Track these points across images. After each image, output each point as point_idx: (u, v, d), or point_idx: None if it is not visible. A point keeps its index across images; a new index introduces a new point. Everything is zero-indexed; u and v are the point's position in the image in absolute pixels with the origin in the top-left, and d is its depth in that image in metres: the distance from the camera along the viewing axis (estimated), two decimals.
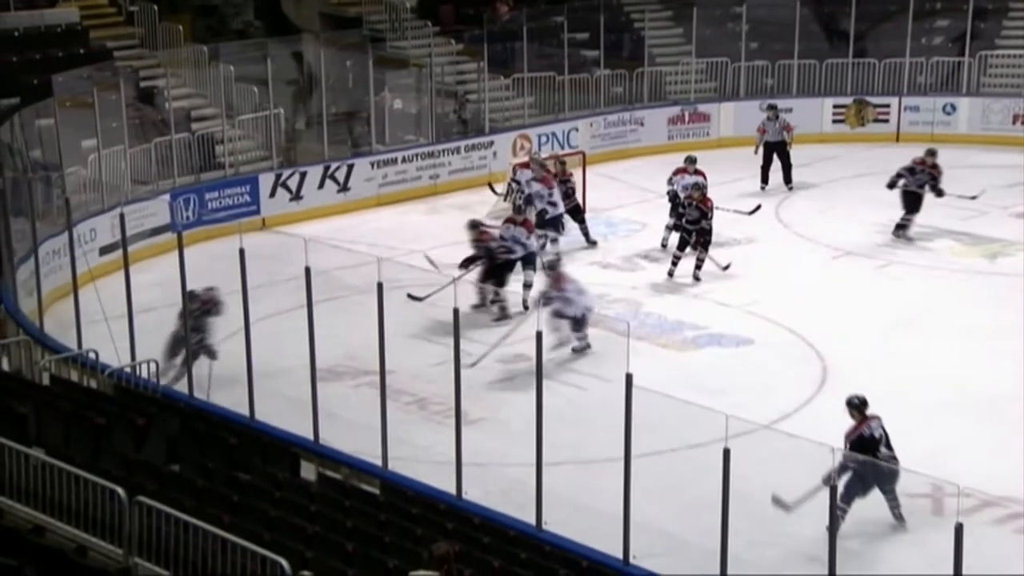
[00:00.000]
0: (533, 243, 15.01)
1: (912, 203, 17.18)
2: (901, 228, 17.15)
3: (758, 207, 17.31)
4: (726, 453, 8.20)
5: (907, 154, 21.99)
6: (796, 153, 20.48)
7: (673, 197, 16.92)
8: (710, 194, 15.98)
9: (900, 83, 23.85)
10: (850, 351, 13.51)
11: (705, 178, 16.70)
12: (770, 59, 24.33)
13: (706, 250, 15.68)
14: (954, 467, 10.27)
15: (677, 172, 17.17)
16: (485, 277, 14.64)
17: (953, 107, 23.39)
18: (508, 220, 15.25)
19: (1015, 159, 21.50)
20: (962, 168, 21.28)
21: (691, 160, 17.26)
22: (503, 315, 14.21)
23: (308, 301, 10.57)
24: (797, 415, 12.01)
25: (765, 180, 19.93)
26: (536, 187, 17.02)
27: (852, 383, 12.64)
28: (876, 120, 23.74)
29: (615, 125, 23.10)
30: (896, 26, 23.89)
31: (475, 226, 15.21)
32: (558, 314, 13.04)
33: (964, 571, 7.17)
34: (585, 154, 19.98)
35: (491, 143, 21.56)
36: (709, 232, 15.66)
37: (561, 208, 16.92)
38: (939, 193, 17.19)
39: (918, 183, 17.18)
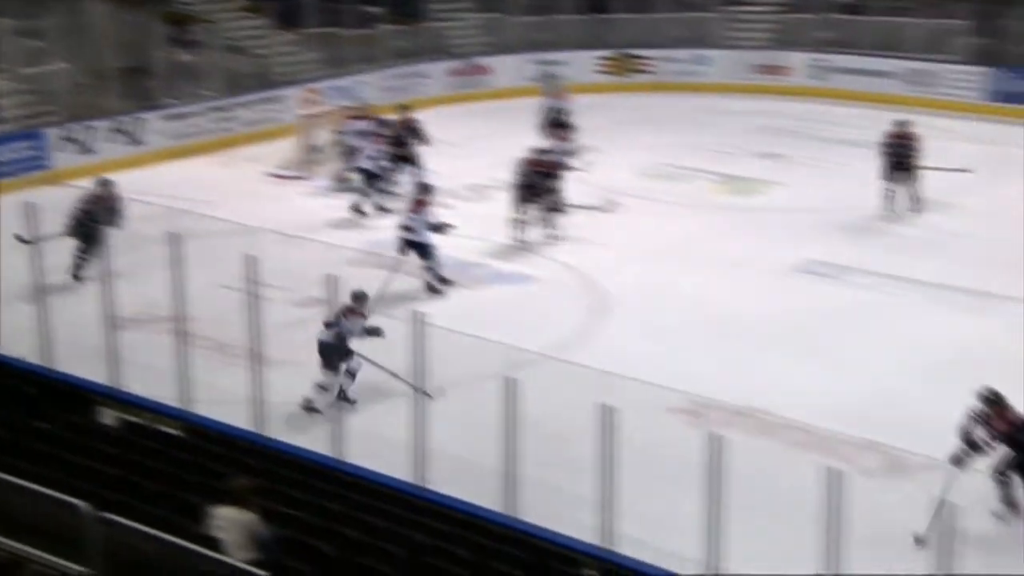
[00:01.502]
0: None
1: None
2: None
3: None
4: (511, 382, 8.28)
5: (665, 101, 22.80)
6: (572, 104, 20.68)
7: None
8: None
9: (658, 36, 24.44)
10: (621, 283, 13.84)
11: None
12: (542, 15, 24.54)
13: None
14: (709, 383, 10.75)
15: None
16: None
17: (705, 57, 24.14)
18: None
19: (760, 105, 22.43)
20: (714, 114, 22.11)
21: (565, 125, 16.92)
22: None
23: (104, 251, 10.08)
24: (577, 343, 12.24)
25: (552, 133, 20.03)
26: (361, 143, 16.95)
27: (623, 312, 13.05)
28: (637, 71, 24.29)
29: (400, 78, 22.86)
30: None
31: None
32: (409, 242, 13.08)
33: (719, 472, 7.46)
34: (372, 106, 19.68)
35: (281, 97, 21.01)
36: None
37: (379, 166, 16.64)
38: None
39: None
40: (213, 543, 7.04)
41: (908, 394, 10.99)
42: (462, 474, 9.14)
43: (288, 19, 22.42)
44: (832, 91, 22.94)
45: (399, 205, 15.53)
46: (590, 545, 8.06)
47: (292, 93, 21.06)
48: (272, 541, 7.11)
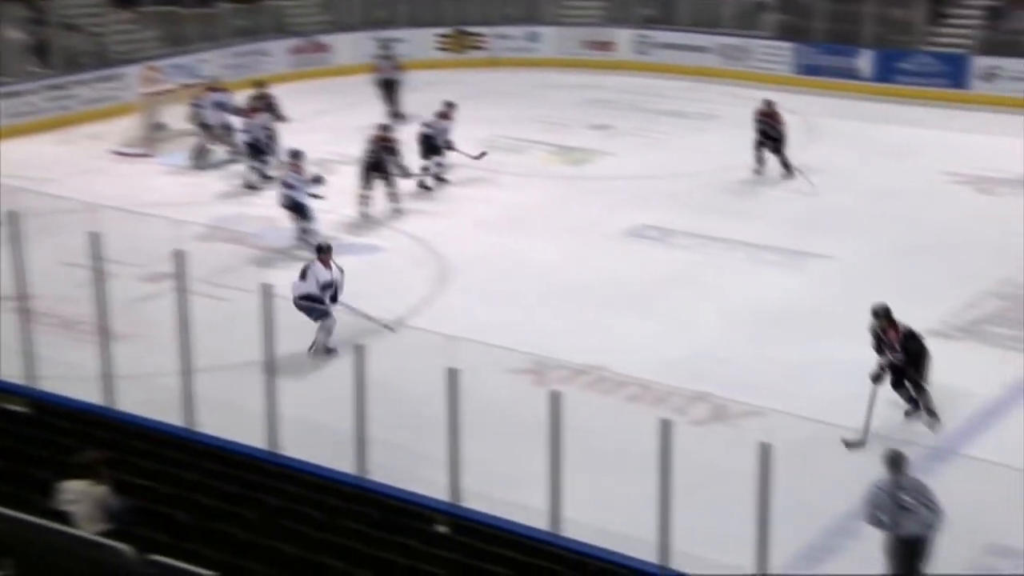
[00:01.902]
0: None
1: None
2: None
3: (483, 153, 16.64)
4: (360, 349, 8.20)
5: (501, 77, 22.86)
6: (409, 78, 20.54)
7: (426, 139, 16.14)
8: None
9: (492, 14, 24.45)
10: (464, 252, 13.85)
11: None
12: None
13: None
14: (551, 344, 10.88)
15: (441, 116, 16.32)
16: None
17: (537, 34, 24.29)
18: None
19: (588, 79, 22.70)
20: (546, 88, 22.28)
21: (451, 105, 16.42)
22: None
23: None
24: (423, 310, 12.21)
25: (396, 115, 19.81)
26: (219, 114, 16.87)
27: (467, 279, 13.07)
28: (474, 47, 24.27)
29: (241, 56, 22.26)
30: None
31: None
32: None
33: (561, 428, 7.55)
34: (214, 83, 19.11)
35: (121, 75, 20.22)
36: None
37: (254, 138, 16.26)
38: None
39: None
40: (64, 517, 6.77)
41: (731, 346, 11.34)
42: (314, 439, 9.03)
43: None
44: (655, 65, 23.40)
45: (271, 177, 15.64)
46: (440, 501, 8.08)
47: (132, 71, 20.31)
48: (124, 511, 6.89)
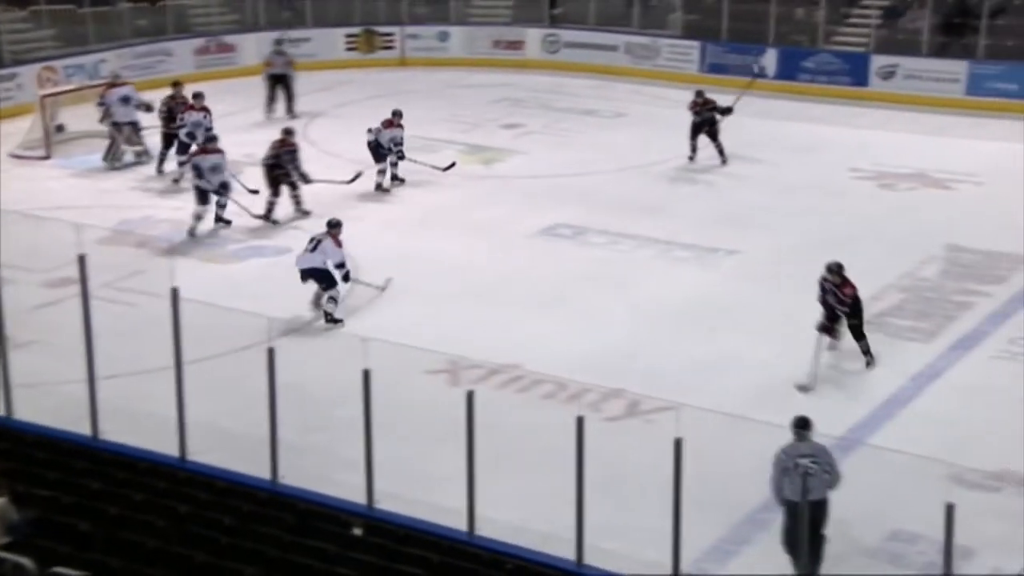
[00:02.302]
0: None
1: None
2: None
3: (452, 164, 16.68)
4: (270, 351, 8.10)
5: (411, 76, 22.81)
6: (317, 79, 20.38)
7: (375, 146, 16.11)
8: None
9: (401, 14, 24.36)
10: (376, 252, 13.76)
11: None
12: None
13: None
14: (465, 344, 10.88)
15: (386, 124, 16.21)
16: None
17: (447, 34, 24.26)
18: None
19: (499, 78, 22.76)
20: (457, 88, 22.28)
21: (398, 114, 16.34)
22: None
23: None
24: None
25: (271, 110, 19.69)
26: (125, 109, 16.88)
27: (379, 278, 12.98)
28: (383, 47, 24.15)
29: (143, 56, 21.82)
30: None
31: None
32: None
33: (477, 428, 7.57)
34: (116, 79, 18.71)
35: (14, 75, 19.69)
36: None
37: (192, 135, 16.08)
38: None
39: None
40: None
41: (644, 342, 11.47)
42: (226, 445, 8.89)
43: None
44: (564, 64, 23.55)
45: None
46: (355, 504, 8.02)
47: (27, 71, 19.77)
48: (23, 523, 6.71)
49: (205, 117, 16.30)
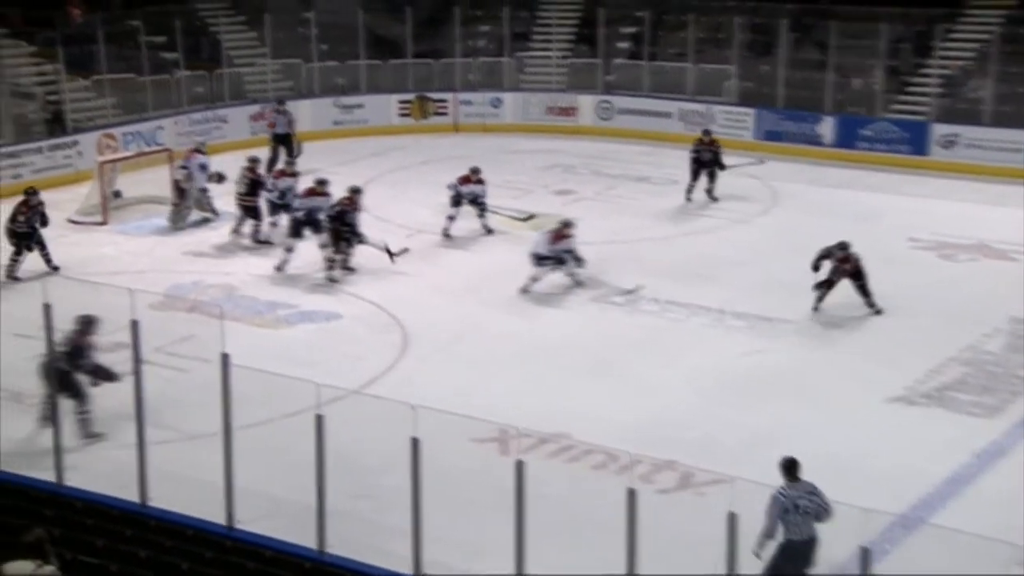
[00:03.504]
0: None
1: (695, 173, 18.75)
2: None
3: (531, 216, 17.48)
4: (319, 419, 8.16)
5: (464, 142, 23.12)
6: (369, 144, 20.70)
7: (456, 197, 16.84)
8: None
9: (454, 80, 24.76)
10: (426, 317, 13.87)
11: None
12: (340, 59, 24.51)
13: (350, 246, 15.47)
14: (514, 412, 10.86)
15: (462, 181, 16.89)
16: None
17: (499, 100, 24.60)
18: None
19: (551, 144, 22.98)
20: (509, 153, 22.51)
21: (475, 171, 17.02)
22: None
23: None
24: (384, 378, 12.17)
25: (271, 168, 19.80)
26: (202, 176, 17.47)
27: (428, 345, 13.07)
28: (437, 113, 24.53)
29: (200, 123, 22.34)
30: (447, 30, 24.78)
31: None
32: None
33: (526, 498, 7.54)
34: (172, 150, 19.20)
35: (75, 142, 20.23)
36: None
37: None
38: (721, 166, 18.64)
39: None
40: None
41: (697, 413, 11.38)
42: (273, 512, 8.93)
43: (81, 64, 21.60)
44: (617, 130, 23.74)
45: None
46: (402, 574, 8.00)
47: (87, 139, 20.31)
48: None
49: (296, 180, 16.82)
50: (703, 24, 24.32)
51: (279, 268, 15.37)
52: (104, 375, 10.49)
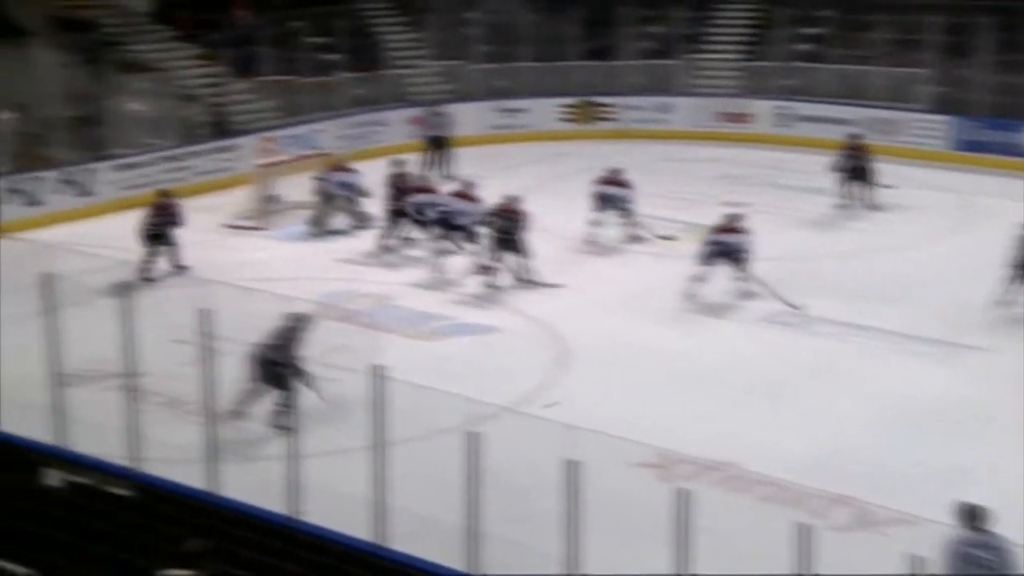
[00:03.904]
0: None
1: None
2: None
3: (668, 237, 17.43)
4: (473, 436, 8.25)
5: (630, 149, 23.06)
6: (530, 151, 20.88)
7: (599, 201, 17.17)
8: None
9: (621, 83, 24.73)
10: (585, 332, 13.88)
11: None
12: (502, 61, 24.79)
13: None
14: (677, 436, 10.77)
15: (603, 182, 17.33)
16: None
17: (668, 106, 24.45)
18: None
19: (722, 153, 22.70)
20: (678, 162, 22.36)
21: (615, 171, 17.39)
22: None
23: (47, 304, 10.00)
24: (541, 396, 12.23)
25: (428, 171, 20.32)
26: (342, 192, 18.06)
27: (588, 363, 13.08)
28: (601, 118, 24.54)
29: (359, 126, 22.98)
30: (614, 31, 24.77)
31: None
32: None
33: (689, 531, 7.46)
34: (331, 154, 19.77)
35: (236, 145, 21.04)
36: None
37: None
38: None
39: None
40: None
41: (877, 445, 11.06)
42: (424, 532, 9.08)
43: (244, 66, 22.47)
44: (796, 139, 23.29)
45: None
46: None
47: (247, 142, 21.09)
48: None
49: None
50: (893, 24, 23.62)
51: (482, 273, 15.33)
52: (300, 376, 11.01)
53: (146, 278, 15.58)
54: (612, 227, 17.25)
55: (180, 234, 16.11)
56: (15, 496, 8.78)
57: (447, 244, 15.95)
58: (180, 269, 15.98)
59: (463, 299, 15.12)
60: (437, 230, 16.11)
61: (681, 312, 14.62)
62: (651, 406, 11.90)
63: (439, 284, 15.64)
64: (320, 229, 17.97)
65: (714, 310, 14.68)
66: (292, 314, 11.60)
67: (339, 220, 18.17)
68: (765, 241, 17.51)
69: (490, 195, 16.27)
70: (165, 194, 16.46)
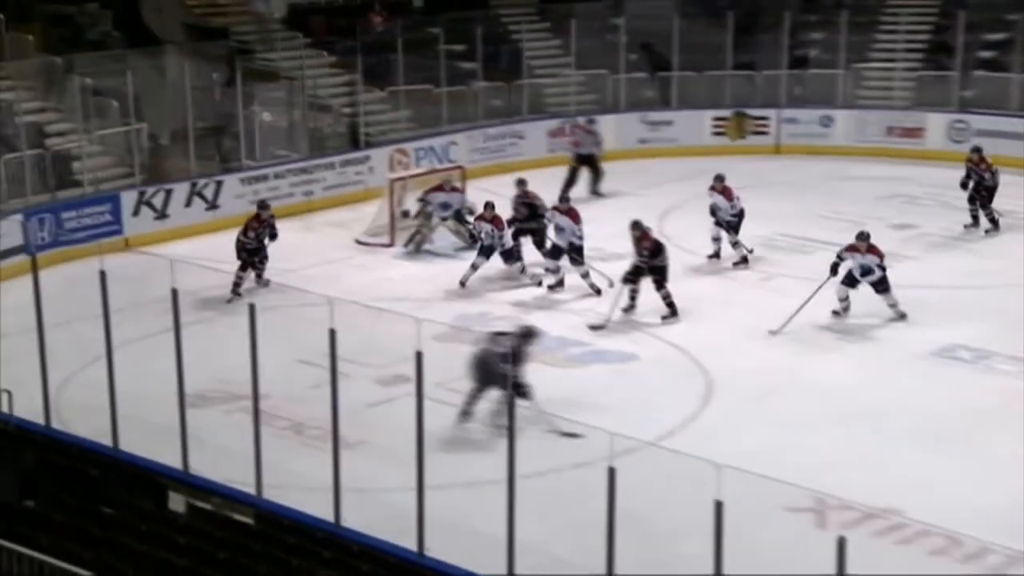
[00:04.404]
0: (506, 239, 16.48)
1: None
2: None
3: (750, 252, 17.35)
4: (611, 472, 8.22)
5: (786, 166, 22.75)
6: (678, 166, 20.81)
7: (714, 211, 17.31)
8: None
9: (778, 95, 24.42)
10: (733, 364, 13.71)
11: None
12: (650, 71, 24.72)
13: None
14: (834, 479, 10.54)
15: (718, 191, 17.39)
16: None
17: (830, 119, 24.03)
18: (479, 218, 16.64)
19: (890, 171, 22.20)
20: (840, 180, 21.95)
21: (719, 179, 17.49)
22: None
23: (175, 322, 10.33)
24: (683, 431, 12.13)
25: (568, 192, 19.90)
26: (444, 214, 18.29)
27: (735, 396, 12.91)
28: (756, 132, 24.27)
29: (495, 139, 23.18)
30: (773, 38, 24.49)
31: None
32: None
33: None
34: (464, 168, 20.00)
35: (367, 158, 21.44)
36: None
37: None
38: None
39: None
40: None
41: None
42: (554, 571, 9.06)
43: (377, 75, 22.89)
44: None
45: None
46: None
47: (380, 154, 21.47)
48: None
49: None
50: None
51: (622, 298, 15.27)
52: (522, 391, 11.41)
53: (236, 293, 15.91)
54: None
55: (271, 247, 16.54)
56: (137, 519, 9.07)
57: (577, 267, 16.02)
58: (263, 284, 16.37)
59: (601, 321, 15.09)
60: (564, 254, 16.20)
61: (837, 345, 14.33)
62: (806, 446, 11.67)
63: (578, 309, 15.63)
64: (415, 249, 18.12)
65: (878, 343, 14.34)
66: (522, 326, 12.62)
67: (441, 240, 18.26)
68: (935, 267, 17.13)
69: (634, 213, 16.20)
70: (265, 205, 16.83)
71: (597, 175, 20.83)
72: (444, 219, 18.33)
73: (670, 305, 14.94)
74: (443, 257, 18.05)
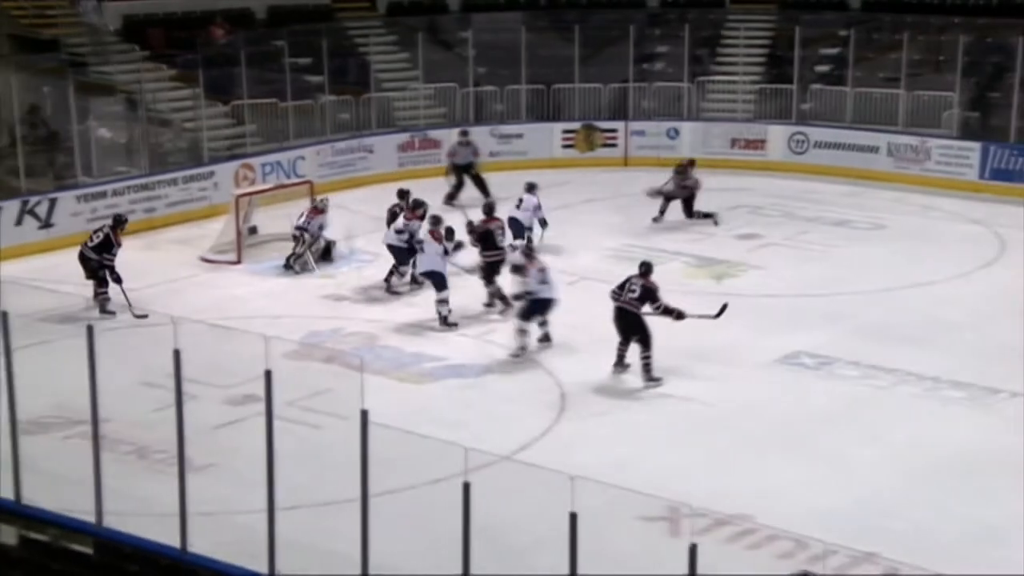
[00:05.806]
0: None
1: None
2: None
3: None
4: (466, 487, 8.22)
5: (635, 177, 23.16)
6: (529, 178, 20.86)
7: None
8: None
9: (625, 108, 24.85)
10: (587, 376, 13.86)
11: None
12: (498, 84, 24.91)
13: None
14: (686, 488, 10.73)
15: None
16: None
17: (676, 131, 24.56)
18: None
19: (735, 182, 22.77)
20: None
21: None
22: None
23: (6, 345, 9.98)
24: (537, 443, 12.20)
25: (456, 198, 20.64)
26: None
27: (589, 408, 13.06)
28: (604, 144, 24.65)
29: (343, 153, 23.05)
30: (619, 51, 24.92)
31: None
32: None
33: None
34: (312, 183, 19.83)
35: (211, 173, 21.09)
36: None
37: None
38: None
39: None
40: None
41: (905, 499, 11.03)
42: None
43: (220, 89, 22.55)
44: (813, 167, 23.39)
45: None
46: None
47: (224, 169, 21.14)
48: None
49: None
50: (920, 44, 23.79)
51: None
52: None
53: (104, 311, 15.47)
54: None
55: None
56: None
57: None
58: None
59: (454, 337, 15.10)
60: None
61: (689, 355, 14.60)
62: (659, 456, 11.86)
63: (419, 320, 15.61)
64: (300, 269, 17.93)
65: (725, 352, 14.67)
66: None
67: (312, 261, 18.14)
68: (781, 275, 17.60)
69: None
70: (121, 221, 16.47)
71: (486, 191, 20.76)
72: (326, 241, 18.13)
73: (502, 298, 15.60)
74: (292, 274, 17.85)
